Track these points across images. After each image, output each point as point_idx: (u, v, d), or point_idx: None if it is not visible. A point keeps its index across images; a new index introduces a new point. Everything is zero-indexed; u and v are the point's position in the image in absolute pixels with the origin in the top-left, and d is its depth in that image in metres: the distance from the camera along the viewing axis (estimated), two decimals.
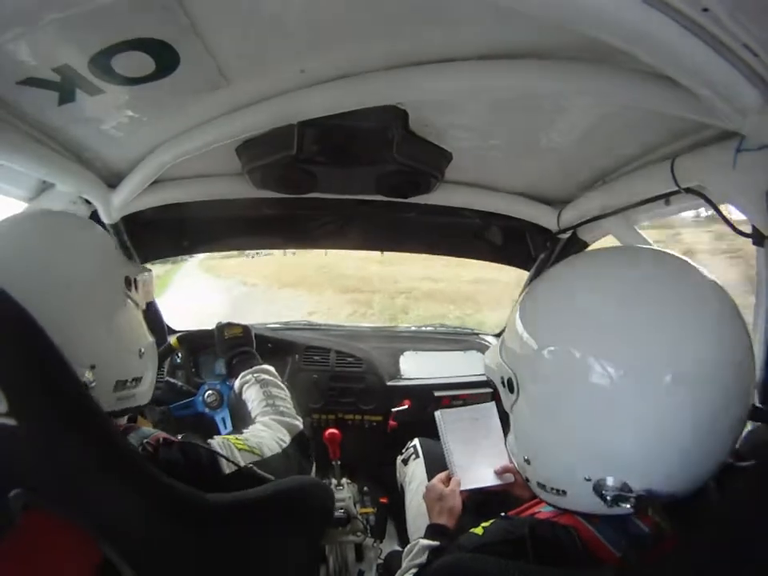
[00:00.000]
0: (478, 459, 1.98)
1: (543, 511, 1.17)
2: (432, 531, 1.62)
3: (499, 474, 1.91)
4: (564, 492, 1.06)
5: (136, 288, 1.41)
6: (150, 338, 1.46)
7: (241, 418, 2.14)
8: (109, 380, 1.24)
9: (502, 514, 1.24)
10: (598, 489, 0.97)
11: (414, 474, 2.17)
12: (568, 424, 1.00)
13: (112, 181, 1.93)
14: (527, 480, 1.17)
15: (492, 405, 2.18)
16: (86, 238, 1.35)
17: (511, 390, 1.12)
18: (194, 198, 2.19)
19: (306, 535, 1.27)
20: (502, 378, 1.16)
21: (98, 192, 1.91)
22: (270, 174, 1.95)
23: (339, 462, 2.28)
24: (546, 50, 1.23)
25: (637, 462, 0.95)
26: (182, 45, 1.15)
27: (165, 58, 1.18)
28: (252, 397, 1.80)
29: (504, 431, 2.07)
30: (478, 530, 1.17)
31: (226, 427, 2.29)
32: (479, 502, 1.85)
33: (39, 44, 1.10)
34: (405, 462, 2.30)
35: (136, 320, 1.40)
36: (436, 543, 1.52)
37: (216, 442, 1.37)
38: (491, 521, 1.17)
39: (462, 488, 1.86)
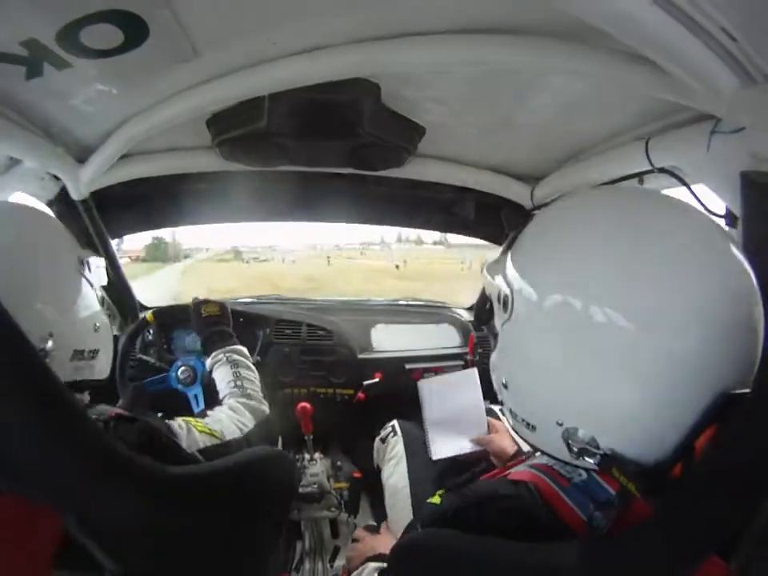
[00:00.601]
0: (455, 431, 2.04)
1: (511, 472, 1.16)
2: (379, 559, 1.60)
3: (474, 441, 1.98)
4: (534, 428, 1.05)
5: (89, 269, 1.48)
6: (106, 319, 1.54)
7: (214, 396, 2.14)
8: (66, 348, 1.32)
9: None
10: (567, 437, 0.97)
11: (393, 452, 2.19)
12: (552, 364, 0.97)
13: (81, 156, 1.88)
14: (502, 403, 1.16)
15: (473, 371, 2.24)
16: (34, 227, 1.42)
17: (505, 308, 1.08)
18: (163, 172, 2.16)
19: (269, 508, 1.27)
20: (499, 293, 1.11)
21: (67, 168, 1.86)
22: (239, 146, 1.94)
23: (311, 437, 2.29)
24: (522, 25, 1.22)
25: (611, 420, 0.93)
26: (151, 16, 1.11)
27: (133, 30, 1.15)
28: (221, 377, 1.82)
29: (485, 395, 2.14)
30: (435, 499, 1.17)
31: (198, 404, 2.27)
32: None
33: (6, 18, 1.07)
34: (383, 440, 2.32)
35: (90, 297, 1.47)
36: (384, 565, 1.50)
37: (176, 423, 1.40)
38: (446, 488, 1.18)
39: (435, 458, 1.95)
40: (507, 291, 1.08)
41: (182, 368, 2.30)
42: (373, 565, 1.52)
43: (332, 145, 1.97)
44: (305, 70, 1.41)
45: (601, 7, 0.92)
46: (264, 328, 2.88)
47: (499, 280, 1.13)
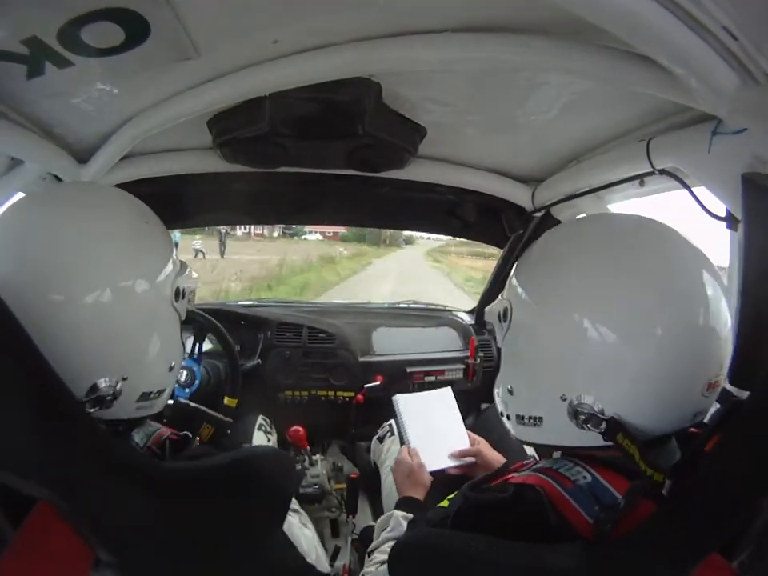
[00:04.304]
0: (435, 444, 2.00)
1: (515, 476, 1.16)
2: (405, 503, 1.64)
3: (457, 456, 1.95)
4: (540, 420, 1.11)
5: (183, 297, 1.30)
6: (180, 353, 1.37)
7: (210, 404, 2.14)
8: (136, 391, 1.17)
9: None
10: (573, 407, 1.03)
11: (389, 452, 2.20)
12: (551, 346, 1.08)
13: (82, 156, 1.87)
14: (507, 418, 1.22)
15: (448, 389, 2.26)
16: (153, 235, 1.26)
17: (505, 318, 1.20)
18: (165, 173, 2.15)
19: (267, 506, 1.25)
20: (499, 312, 1.23)
21: (68, 168, 1.85)
22: (240, 147, 1.93)
23: (309, 449, 2.30)
24: (522, 24, 1.21)
25: (614, 388, 1.02)
26: (152, 14, 1.11)
27: (135, 28, 1.14)
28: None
29: (463, 414, 2.15)
30: (444, 503, 1.18)
31: None
32: (443, 483, 1.87)
33: (6, 16, 1.06)
34: (380, 439, 2.33)
35: (176, 333, 1.32)
36: (410, 515, 1.54)
37: None
38: (456, 492, 1.19)
39: (429, 471, 1.89)
40: (506, 304, 1.21)
41: (181, 370, 2.30)
42: (398, 514, 1.56)
43: (333, 146, 1.97)
44: (306, 69, 1.40)
45: (601, 5, 0.91)
46: (265, 331, 2.88)
47: (498, 301, 1.25)
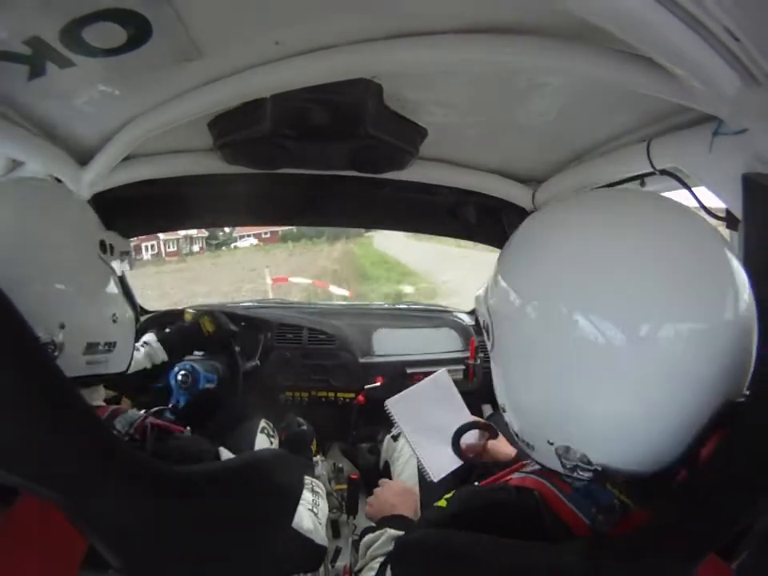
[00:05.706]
0: (442, 442, 1.93)
1: (515, 477, 1.15)
2: (397, 523, 1.58)
3: (465, 452, 1.92)
4: (532, 447, 1.04)
5: (111, 253, 1.42)
6: (129, 308, 1.47)
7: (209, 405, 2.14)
8: (79, 341, 1.25)
9: (476, 483, 1.24)
10: (560, 454, 0.96)
11: (403, 450, 2.21)
12: (537, 385, 0.96)
13: (83, 158, 1.88)
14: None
15: (443, 372, 2.14)
16: (58, 203, 1.38)
17: (488, 336, 1.07)
18: (166, 174, 2.15)
19: (275, 509, 1.26)
20: (483, 321, 1.09)
21: (69, 169, 1.85)
22: (241, 149, 1.93)
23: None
24: (524, 26, 1.22)
25: (599, 435, 0.93)
26: (154, 15, 1.12)
27: (137, 29, 1.15)
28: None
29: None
30: (441, 503, 1.17)
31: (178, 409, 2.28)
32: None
33: (8, 16, 1.07)
34: (395, 438, 2.33)
35: (110, 284, 1.41)
36: (402, 533, 1.51)
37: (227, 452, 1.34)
38: (453, 492, 1.18)
39: (436, 479, 1.86)
40: (487, 318, 1.06)
41: (182, 372, 2.29)
42: (391, 533, 1.51)
43: (334, 147, 1.96)
44: (308, 71, 1.40)
45: (603, 6, 0.91)
46: (265, 332, 2.89)
47: (483, 309, 1.11)
